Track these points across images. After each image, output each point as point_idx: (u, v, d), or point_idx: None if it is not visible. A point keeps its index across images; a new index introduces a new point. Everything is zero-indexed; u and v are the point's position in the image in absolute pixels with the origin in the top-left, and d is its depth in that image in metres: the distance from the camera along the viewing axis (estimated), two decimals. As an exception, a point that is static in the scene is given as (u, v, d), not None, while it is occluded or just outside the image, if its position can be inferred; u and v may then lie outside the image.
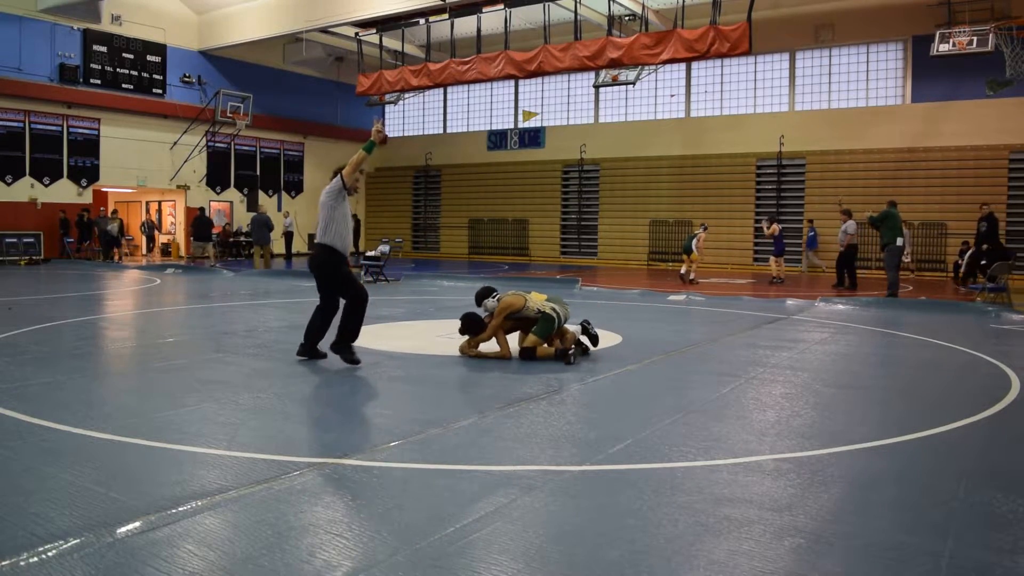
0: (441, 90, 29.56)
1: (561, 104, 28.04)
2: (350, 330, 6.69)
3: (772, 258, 18.13)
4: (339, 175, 6.79)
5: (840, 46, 22.91)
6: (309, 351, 6.88)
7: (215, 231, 24.63)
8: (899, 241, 13.35)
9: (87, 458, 3.97)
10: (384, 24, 22.63)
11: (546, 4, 19.68)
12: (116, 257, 22.78)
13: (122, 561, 2.74)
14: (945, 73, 20.45)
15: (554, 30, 20.52)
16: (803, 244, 22.13)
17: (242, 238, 27.06)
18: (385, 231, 29.10)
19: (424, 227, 30.78)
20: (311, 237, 29.50)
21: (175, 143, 25.44)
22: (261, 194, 28.38)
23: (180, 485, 3.57)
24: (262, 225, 20.41)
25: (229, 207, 27.61)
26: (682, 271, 17.55)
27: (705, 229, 18.45)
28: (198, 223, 22.45)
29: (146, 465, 3.90)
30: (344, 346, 6.67)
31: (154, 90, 24.82)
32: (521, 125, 28.87)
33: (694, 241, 17.49)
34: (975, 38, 17.34)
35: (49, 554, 2.78)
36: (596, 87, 24.61)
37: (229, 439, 4.36)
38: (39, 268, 19.98)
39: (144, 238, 26.81)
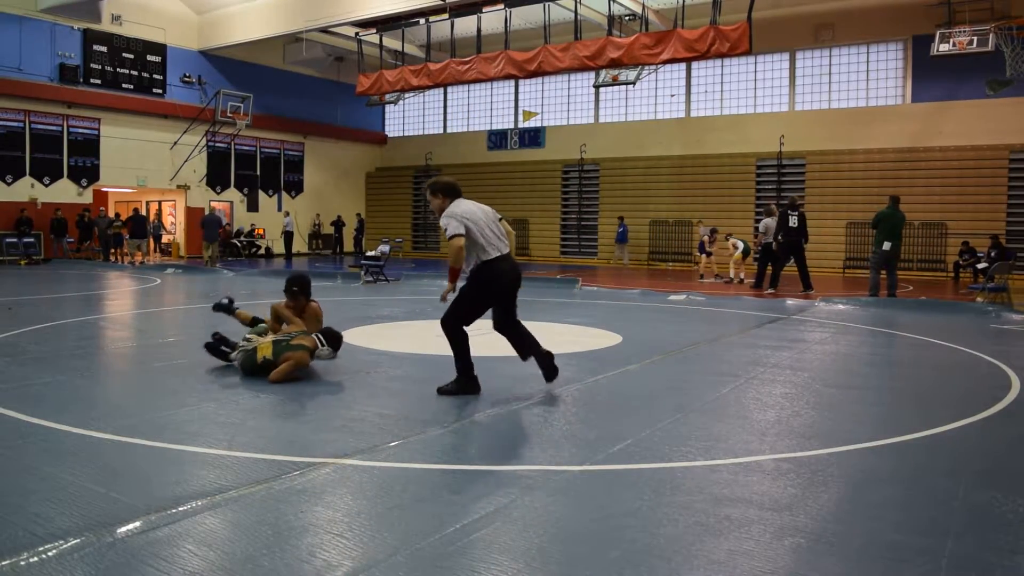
0: (441, 90, 29.56)
1: (561, 104, 28.05)
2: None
3: (704, 257, 18.53)
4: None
5: (840, 46, 22.90)
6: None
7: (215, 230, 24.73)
8: (885, 245, 12.95)
9: (87, 458, 3.97)
10: (384, 24, 22.63)
11: (546, 4, 19.67)
12: (115, 258, 22.79)
13: (122, 561, 2.74)
14: (945, 73, 20.45)
15: (554, 30, 20.52)
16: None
17: (243, 238, 27.11)
18: (385, 231, 29.09)
19: (424, 227, 30.79)
20: (311, 237, 29.89)
21: (175, 143, 25.43)
22: (208, 193, 28.44)
23: (180, 485, 3.57)
24: (215, 224, 21.97)
25: (229, 207, 27.62)
26: (731, 274, 17.76)
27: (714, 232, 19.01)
28: (134, 221, 22.78)
29: (146, 465, 3.90)
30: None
31: (154, 90, 24.82)
32: (521, 125, 28.87)
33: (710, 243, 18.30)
34: (975, 38, 17.33)
35: (49, 554, 2.78)
36: (596, 87, 24.61)
37: (229, 439, 4.35)
38: (39, 268, 19.97)
39: (151, 238, 26.96)
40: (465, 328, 5.69)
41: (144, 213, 25.39)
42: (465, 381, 5.65)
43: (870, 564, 2.84)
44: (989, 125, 20.48)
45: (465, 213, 5.52)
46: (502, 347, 7.62)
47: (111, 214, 24.69)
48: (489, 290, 5.63)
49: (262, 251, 27.86)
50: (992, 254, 16.88)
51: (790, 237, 14.47)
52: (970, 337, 9.11)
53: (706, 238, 18.45)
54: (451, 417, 4.93)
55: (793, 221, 14.47)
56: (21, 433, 4.40)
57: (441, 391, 5.61)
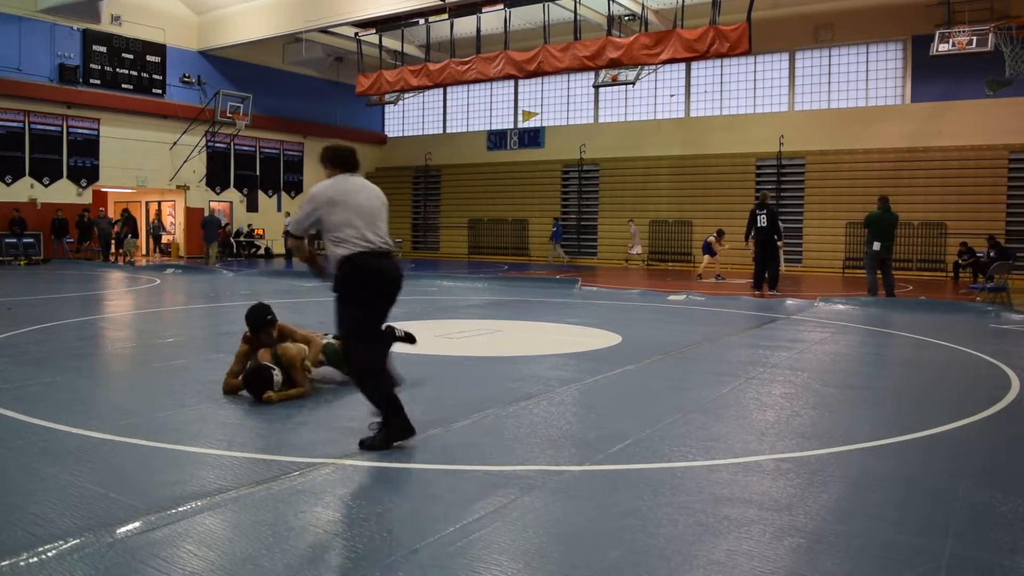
0: (441, 90, 29.57)
1: (561, 104, 28.05)
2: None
3: (707, 257, 18.64)
4: None
5: (840, 46, 22.92)
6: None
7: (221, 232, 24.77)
8: (875, 245, 12.89)
9: (87, 458, 3.96)
10: (384, 24, 22.64)
11: (546, 4, 19.69)
12: (114, 258, 22.79)
13: (122, 561, 2.74)
14: (945, 73, 20.46)
15: (554, 30, 20.53)
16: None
17: (242, 238, 27.11)
18: (385, 231, 29.06)
19: (424, 227, 30.79)
20: (314, 237, 29.65)
21: (175, 143, 25.43)
22: (208, 194, 28.43)
23: (180, 485, 3.57)
24: (214, 225, 22.65)
25: (229, 207, 27.62)
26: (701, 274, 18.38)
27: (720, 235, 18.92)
28: (126, 222, 23.25)
29: (146, 465, 3.90)
30: None
31: (154, 90, 24.82)
32: (521, 125, 28.87)
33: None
34: (975, 38, 17.33)
35: (49, 554, 2.78)
36: (596, 87, 24.63)
37: (229, 439, 4.35)
38: (39, 268, 19.96)
39: (151, 239, 26.98)
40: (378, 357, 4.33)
41: (133, 214, 25.50)
42: (398, 424, 4.15)
43: (870, 564, 2.84)
44: (989, 125, 20.50)
45: (336, 194, 4.19)
46: (501, 347, 7.63)
47: (111, 214, 24.70)
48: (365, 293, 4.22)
49: (261, 251, 27.86)
50: (991, 254, 16.88)
51: (759, 236, 14.40)
52: (970, 337, 9.11)
53: (713, 239, 18.44)
54: (451, 417, 4.93)
55: (762, 220, 14.33)
56: (21, 433, 4.39)
57: (364, 445, 4.13)
